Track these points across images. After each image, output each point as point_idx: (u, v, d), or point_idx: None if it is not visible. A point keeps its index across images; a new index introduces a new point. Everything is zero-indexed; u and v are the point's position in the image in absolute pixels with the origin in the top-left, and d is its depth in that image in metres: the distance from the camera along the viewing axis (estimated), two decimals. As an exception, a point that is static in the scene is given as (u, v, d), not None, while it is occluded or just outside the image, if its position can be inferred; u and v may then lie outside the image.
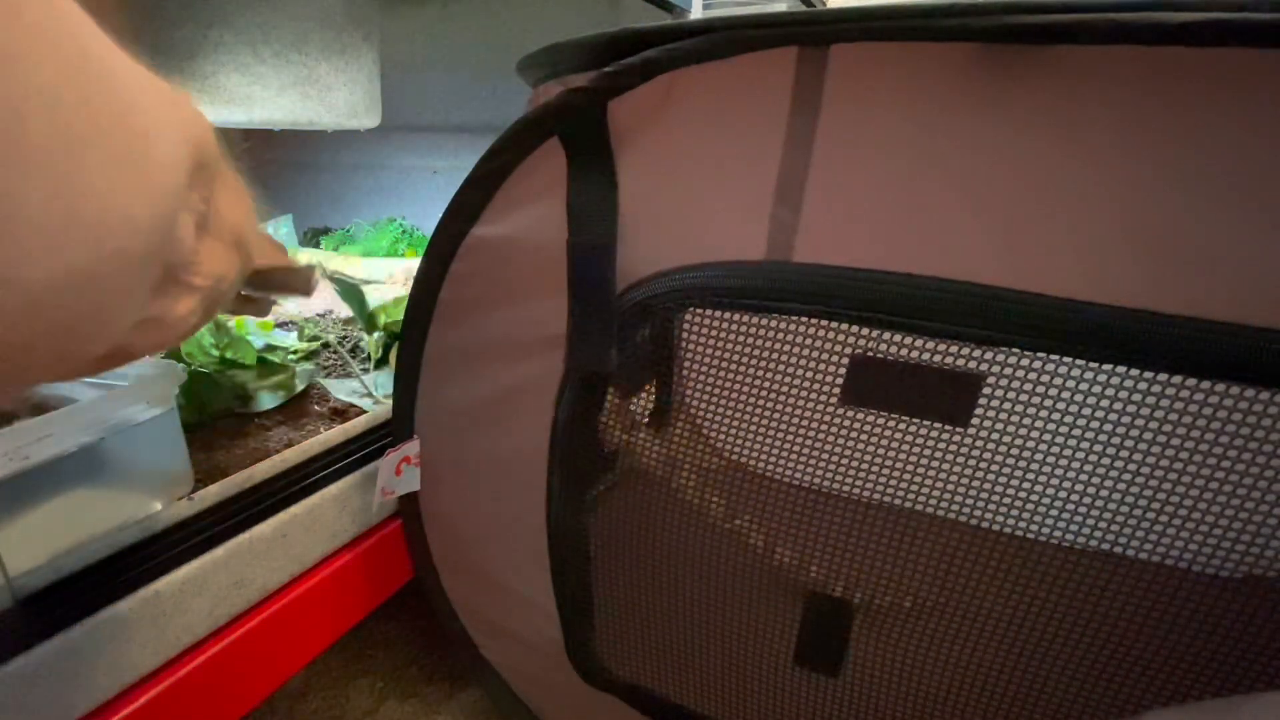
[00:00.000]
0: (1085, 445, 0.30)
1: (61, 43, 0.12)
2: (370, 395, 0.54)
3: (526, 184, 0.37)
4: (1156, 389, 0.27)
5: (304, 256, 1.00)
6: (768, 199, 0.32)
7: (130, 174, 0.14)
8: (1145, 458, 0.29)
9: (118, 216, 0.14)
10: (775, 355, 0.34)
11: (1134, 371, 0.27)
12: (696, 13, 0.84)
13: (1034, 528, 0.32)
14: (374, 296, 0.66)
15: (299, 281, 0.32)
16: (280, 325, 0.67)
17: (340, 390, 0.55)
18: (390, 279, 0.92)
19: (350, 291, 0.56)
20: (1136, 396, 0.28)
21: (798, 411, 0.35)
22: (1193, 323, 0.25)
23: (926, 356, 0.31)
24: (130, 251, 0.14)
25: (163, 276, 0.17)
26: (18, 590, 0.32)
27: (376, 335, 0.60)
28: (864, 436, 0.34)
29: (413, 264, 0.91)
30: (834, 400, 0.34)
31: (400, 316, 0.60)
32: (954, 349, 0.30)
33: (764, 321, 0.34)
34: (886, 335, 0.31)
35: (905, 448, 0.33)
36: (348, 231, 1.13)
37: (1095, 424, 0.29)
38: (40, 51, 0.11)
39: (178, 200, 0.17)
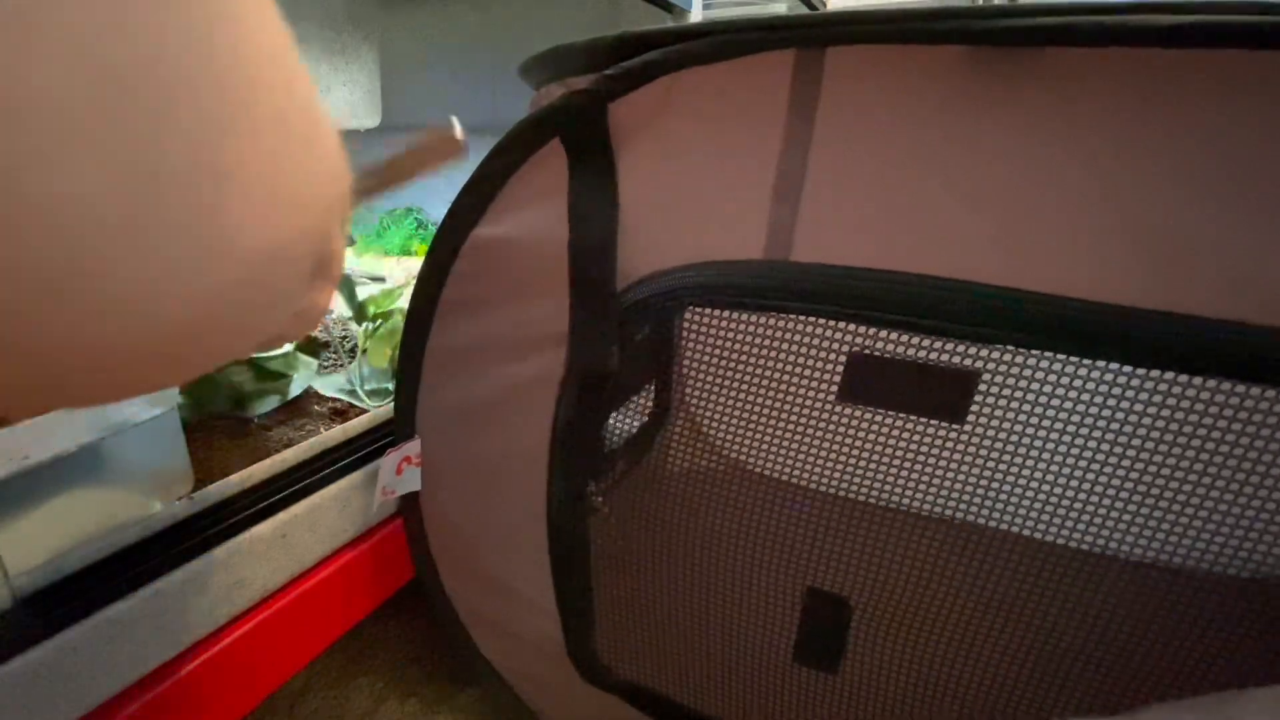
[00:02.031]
0: (1081, 442, 0.30)
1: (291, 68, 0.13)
2: (355, 392, 0.54)
3: (528, 185, 0.37)
4: (1150, 386, 0.28)
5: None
6: (766, 199, 0.32)
7: (311, 156, 0.15)
8: (1141, 455, 0.29)
9: (306, 195, 0.15)
10: (773, 353, 0.34)
11: (1129, 369, 0.28)
12: (696, 14, 0.85)
13: (1030, 525, 0.32)
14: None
15: (449, 146, 0.26)
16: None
17: (329, 388, 0.55)
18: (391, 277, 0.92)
19: (341, 281, 0.55)
20: (1131, 394, 0.28)
21: (796, 409, 0.35)
22: (1188, 320, 0.26)
23: (923, 354, 0.31)
24: (311, 231, 0.15)
25: (314, 271, 0.18)
26: (18, 590, 0.32)
27: (365, 325, 0.60)
28: (861, 434, 0.34)
29: (415, 264, 0.91)
30: (831, 398, 0.34)
31: (390, 307, 0.60)
32: (950, 347, 0.31)
33: (762, 320, 0.34)
34: (883, 333, 0.31)
35: (902, 445, 0.34)
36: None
37: (1090, 421, 0.30)
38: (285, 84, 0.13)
39: (343, 183, 0.17)
